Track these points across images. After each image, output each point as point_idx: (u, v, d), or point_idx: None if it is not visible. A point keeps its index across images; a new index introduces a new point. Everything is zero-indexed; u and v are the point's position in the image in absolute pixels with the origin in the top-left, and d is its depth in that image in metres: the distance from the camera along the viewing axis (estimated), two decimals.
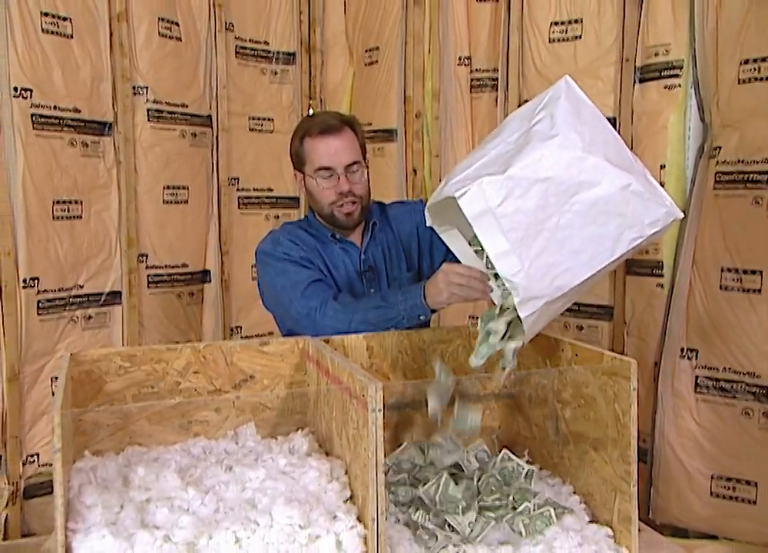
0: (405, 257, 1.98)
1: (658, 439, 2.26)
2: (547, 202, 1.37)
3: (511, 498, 1.36)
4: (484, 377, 1.67)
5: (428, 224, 1.66)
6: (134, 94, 2.69)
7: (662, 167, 2.28)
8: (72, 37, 2.49)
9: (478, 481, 1.42)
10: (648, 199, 1.40)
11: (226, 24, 2.99)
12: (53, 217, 2.45)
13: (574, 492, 1.45)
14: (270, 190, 3.20)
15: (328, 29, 3.29)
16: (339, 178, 1.85)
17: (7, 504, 2.32)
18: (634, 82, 2.39)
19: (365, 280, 1.92)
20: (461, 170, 1.47)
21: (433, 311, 1.68)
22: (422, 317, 1.67)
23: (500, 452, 1.52)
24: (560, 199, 1.37)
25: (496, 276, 1.51)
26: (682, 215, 1.45)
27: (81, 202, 2.55)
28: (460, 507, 1.31)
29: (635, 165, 1.46)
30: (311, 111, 3.30)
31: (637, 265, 2.39)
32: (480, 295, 1.56)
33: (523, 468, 1.46)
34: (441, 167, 2.94)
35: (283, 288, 1.81)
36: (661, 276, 2.30)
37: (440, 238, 1.67)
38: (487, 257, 1.50)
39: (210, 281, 3.01)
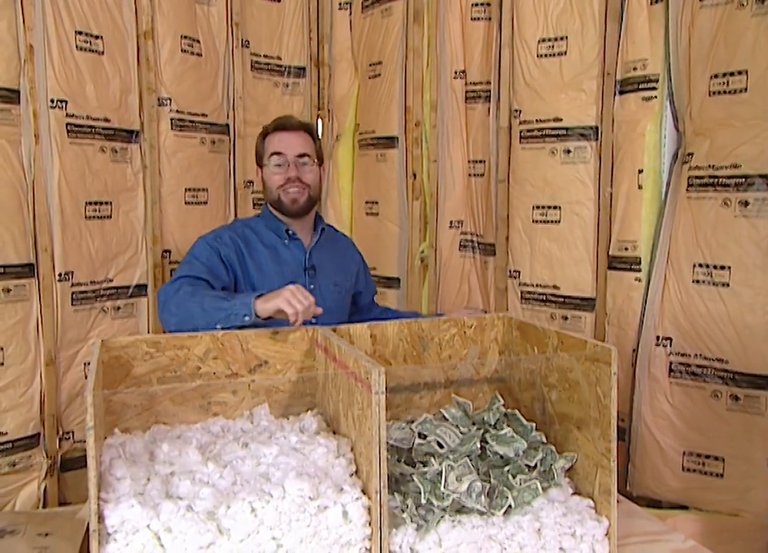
0: (344, 273, 2.02)
1: (635, 419, 2.26)
2: None
3: (508, 473, 1.34)
4: (477, 363, 1.66)
5: None
6: (159, 104, 2.68)
7: (640, 171, 2.27)
8: (103, 53, 2.48)
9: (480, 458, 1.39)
10: None
11: (242, 41, 2.98)
12: (85, 217, 2.45)
13: None
14: None
15: (335, 45, 3.27)
16: (288, 166, 1.85)
17: (45, 476, 2.33)
18: (615, 94, 2.37)
19: (307, 276, 1.93)
20: None
21: (258, 317, 1.51)
22: (246, 318, 1.50)
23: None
24: None
25: None
26: None
27: (111, 203, 2.54)
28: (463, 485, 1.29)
29: None
30: (319, 121, 3.30)
31: (617, 261, 2.38)
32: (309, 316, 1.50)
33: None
34: (439, 171, 2.93)
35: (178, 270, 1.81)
36: (639, 270, 2.30)
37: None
38: None
39: None
